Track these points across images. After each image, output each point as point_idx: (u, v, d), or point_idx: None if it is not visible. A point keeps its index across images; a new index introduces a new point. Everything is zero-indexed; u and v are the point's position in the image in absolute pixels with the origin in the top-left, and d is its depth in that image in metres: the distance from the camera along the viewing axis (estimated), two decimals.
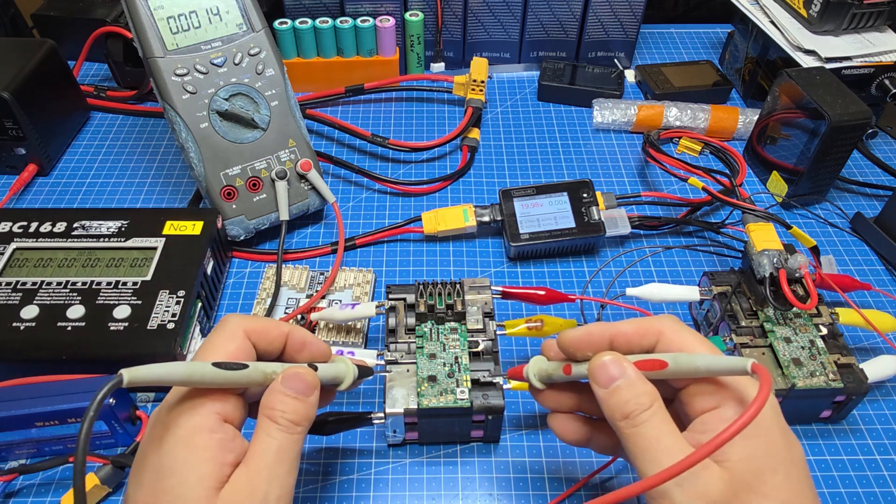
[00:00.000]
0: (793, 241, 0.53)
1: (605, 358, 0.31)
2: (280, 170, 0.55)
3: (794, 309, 0.45)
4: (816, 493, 0.29)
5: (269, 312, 0.50)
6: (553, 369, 0.34)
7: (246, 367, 0.30)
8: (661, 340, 0.32)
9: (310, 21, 0.69)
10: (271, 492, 0.29)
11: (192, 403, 0.29)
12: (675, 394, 0.32)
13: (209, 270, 0.50)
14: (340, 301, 0.51)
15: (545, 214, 0.56)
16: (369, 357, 0.42)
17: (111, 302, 0.45)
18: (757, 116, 0.64)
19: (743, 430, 0.26)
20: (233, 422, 0.31)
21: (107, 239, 0.49)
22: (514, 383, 0.41)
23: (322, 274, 0.53)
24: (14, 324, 0.44)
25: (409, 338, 0.43)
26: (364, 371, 0.37)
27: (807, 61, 0.63)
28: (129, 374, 0.26)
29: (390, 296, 0.45)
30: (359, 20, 0.69)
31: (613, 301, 0.53)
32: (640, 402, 0.29)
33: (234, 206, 0.54)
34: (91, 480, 0.40)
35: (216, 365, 0.29)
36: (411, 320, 0.44)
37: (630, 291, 0.49)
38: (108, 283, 0.46)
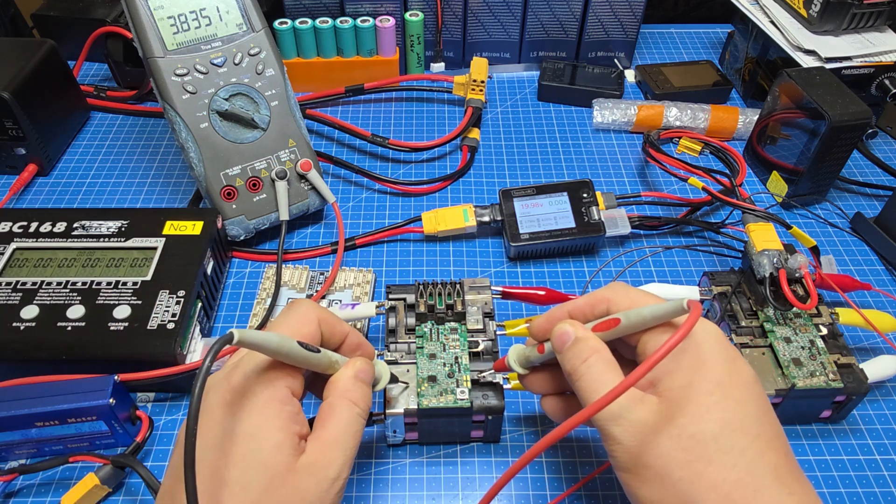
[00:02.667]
0: (793, 241, 0.53)
1: (561, 325, 0.34)
2: (280, 170, 0.55)
3: (794, 309, 0.45)
4: (769, 410, 0.31)
5: (270, 312, 0.50)
6: (529, 352, 0.38)
7: (319, 351, 0.32)
8: (611, 305, 0.34)
9: (310, 21, 0.69)
10: (345, 466, 0.31)
11: (268, 374, 0.31)
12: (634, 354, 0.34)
13: (209, 270, 0.50)
14: (340, 301, 0.51)
15: (545, 214, 0.56)
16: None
17: (111, 302, 0.45)
18: (757, 116, 0.64)
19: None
20: (298, 397, 0.32)
21: (107, 239, 0.49)
22: (514, 383, 0.41)
23: (322, 274, 0.53)
24: (14, 324, 0.44)
25: (409, 338, 0.43)
26: (393, 378, 0.39)
27: (807, 61, 0.63)
28: (239, 334, 0.27)
29: (390, 296, 0.45)
30: (359, 20, 0.69)
31: None
32: (585, 354, 0.32)
33: (234, 206, 0.54)
34: (91, 480, 0.40)
35: (300, 344, 0.31)
36: (411, 320, 0.44)
37: None
38: (108, 283, 0.46)
